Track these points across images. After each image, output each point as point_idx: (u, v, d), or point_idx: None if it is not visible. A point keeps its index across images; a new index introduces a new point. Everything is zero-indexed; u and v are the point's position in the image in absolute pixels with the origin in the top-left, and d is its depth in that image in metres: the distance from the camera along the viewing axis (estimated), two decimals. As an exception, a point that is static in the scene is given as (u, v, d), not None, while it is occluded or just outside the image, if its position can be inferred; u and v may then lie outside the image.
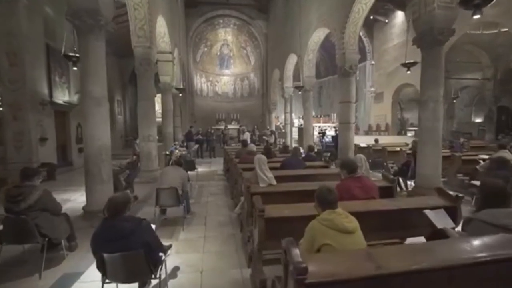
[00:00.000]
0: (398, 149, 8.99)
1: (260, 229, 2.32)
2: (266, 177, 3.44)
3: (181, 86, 12.54)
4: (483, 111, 17.76)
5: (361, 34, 12.97)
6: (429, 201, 2.79)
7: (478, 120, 18.96)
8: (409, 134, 19.73)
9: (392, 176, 3.80)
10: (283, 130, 17.70)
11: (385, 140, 12.65)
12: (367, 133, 17.97)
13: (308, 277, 1.28)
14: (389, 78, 17.47)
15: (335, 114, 22.23)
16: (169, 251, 2.67)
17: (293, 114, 17.55)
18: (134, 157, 8.24)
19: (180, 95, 13.33)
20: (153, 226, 2.49)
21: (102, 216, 2.15)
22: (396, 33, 16.70)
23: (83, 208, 4.48)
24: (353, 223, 1.88)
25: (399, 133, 18.58)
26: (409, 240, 2.86)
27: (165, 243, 2.50)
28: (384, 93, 17.76)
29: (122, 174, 6.49)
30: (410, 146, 8.78)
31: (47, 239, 3.03)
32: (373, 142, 11.35)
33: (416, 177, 5.89)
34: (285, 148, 8.10)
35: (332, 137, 12.10)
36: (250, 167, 5.30)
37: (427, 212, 2.31)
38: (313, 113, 15.25)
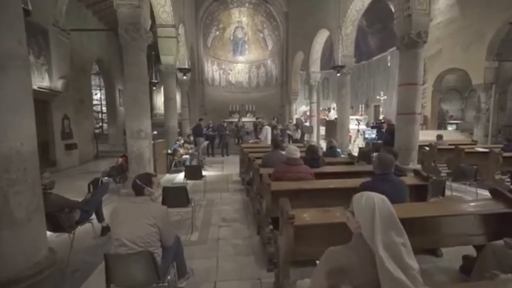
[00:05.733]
0: (486, 150, 6.28)
1: None
2: (403, 274, 1.04)
3: (186, 66, 10.16)
4: (541, 101, 14.75)
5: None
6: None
7: (534, 112, 15.91)
8: (450, 128, 17.18)
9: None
10: (306, 123, 15.22)
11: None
12: (399, 127, 15.28)
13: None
14: (429, 63, 14.76)
15: (362, 106, 19.71)
16: None
17: (315, 105, 14.98)
18: (120, 159, 6.09)
19: (185, 77, 10.97)
20: None
21: None
22: (440, 9, 14.00)
23: (-22, 274, 2.31)
24: None
25: (439, 127, 16.04)
26: None
27: None
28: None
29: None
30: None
31: None
32: (428, 139, 8.75)
33: None
34: (331, 150, 5.37)
35: (377, 131, 9.46)
36: (297, 189, 2.99)
37: None
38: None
